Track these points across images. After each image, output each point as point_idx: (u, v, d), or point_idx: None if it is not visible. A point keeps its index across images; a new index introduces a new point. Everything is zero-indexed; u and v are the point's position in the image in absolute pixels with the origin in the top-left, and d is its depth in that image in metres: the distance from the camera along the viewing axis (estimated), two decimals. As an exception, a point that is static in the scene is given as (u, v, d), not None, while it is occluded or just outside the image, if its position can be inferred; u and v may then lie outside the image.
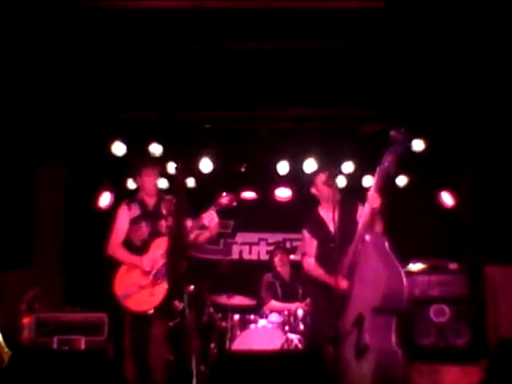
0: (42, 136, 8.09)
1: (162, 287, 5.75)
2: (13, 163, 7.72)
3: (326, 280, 5.80)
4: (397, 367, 5.25)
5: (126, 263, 5.92)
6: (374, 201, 5.48)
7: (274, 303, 7.89)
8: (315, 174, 6.26)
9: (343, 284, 5.54)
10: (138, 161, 6.25)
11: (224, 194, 5.93)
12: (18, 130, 7.62)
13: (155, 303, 5.73)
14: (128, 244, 6.02)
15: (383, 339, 5.28)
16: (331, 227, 5.89)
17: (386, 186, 5.57)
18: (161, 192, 6.21)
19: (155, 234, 5.95)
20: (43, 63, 6.80)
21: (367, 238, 5.48)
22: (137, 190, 6.25)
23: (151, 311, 5.73)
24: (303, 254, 6.23)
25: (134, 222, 6.01)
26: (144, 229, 5.98)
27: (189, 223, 5.88)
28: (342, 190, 6.18)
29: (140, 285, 5.80)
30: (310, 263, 6.09)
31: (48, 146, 8.38)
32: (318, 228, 6.10)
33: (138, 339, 5.81)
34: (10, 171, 7.69)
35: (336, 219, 5.62)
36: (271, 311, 7.74)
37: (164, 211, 5.99)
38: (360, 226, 5.54)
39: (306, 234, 6.16)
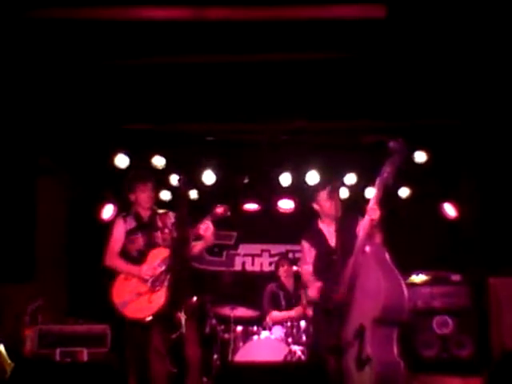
0: (44, 148, 8.10)
1: (161, 294, 5.79)
2: (14, 175, 7.73)
3: (310, 289, 5.90)
4: (398, 379, 5.23)
5: (123, 272, 5.97)
6: (373, 213, 5.48)
7: (275, 313, 7.88)
8: (317, 189, 6.28)
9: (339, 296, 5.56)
10: (132, 177, 6.30)
11: (219, 204, 6.02)
12: (20, 141, 7.64)
13: (153, 310, 5.77)
14: (125, 254, 6.08)
15: (385, 350, 5.25)
16: (331, 241, 5.95)
17: (387, 198, 5.57)
18: (155, 206, 6.26)
19: (151, 244, 6.03)
20: (46, 74, 6.82)
21: (367, 249, 5.48)
22: (130, 205, 6.29)
23: (149, 318, 5.75)
24: (302, 263, 6.26)
25: (130, 233, 6.09)
26: (140, 240, 6.06)
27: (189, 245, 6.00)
28: (343, 204, 6.18)
29: (138, 292, 5.84)
30: (308, 270, 6.10)
31: (49, 158, 8.39)
32: (318, 240, 6.12)
33: (136, 348, 5.83)
34: (11, 183, 7.70)
35: (336, 233, 5.70)
36: (273, 321, 7.73)
37: (159, 223, 6.11)
38: (359, 237, 5.55)
39: (305, 244, 6.19)
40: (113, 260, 6.05)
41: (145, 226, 6.11)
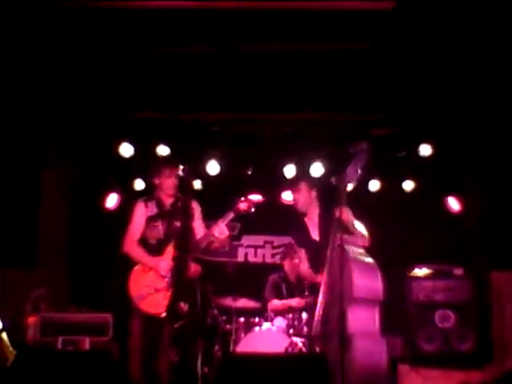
0: (49, 136, 8.10)
1: None
2: (18, 163, 7.73)
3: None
4: (382, 356, 5.32)
5: (141, 263, 5.93)
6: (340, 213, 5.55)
7: (275, 302, 7.89)
8: (295, 183, 6.48)
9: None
10: (159, 160, 6.27)
11: (242, 198, 6.00)
12: (24, 129, 7.63)
13: None
14: (143, 242, 6.03)
15: (367, 327, 5.39)
16: (314, 235, 6.27)
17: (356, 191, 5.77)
18: (179, 193, 6.15)
19: (171, 234, 5.95)
20: (51, 63, 6.81)
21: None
22: (149, 189, 6.24)
23: (164, 314, 5.72)
24: (299, 262, 6.54)
25: (151, 220, 6.02)
26: (160, 228, 6.00)
27: (200, 233, 6.00)
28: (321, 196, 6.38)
29: (155, 287, 5.83)
30: (304, 267, 6.36)
31: (54, 147, 8.39)
32: (304, 238, 6.35)
33: (145, 339, 5.82)
34: (16, 171, 7.69)
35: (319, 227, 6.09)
36: (271, 310, 7.74)
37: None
38: (331, 239, 5.64)
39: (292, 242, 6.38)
40: (132, 248, 5.99)
41: (166, 213, 6.04)
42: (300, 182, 6.48)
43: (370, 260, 5.64)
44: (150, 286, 5.83)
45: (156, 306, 5.77)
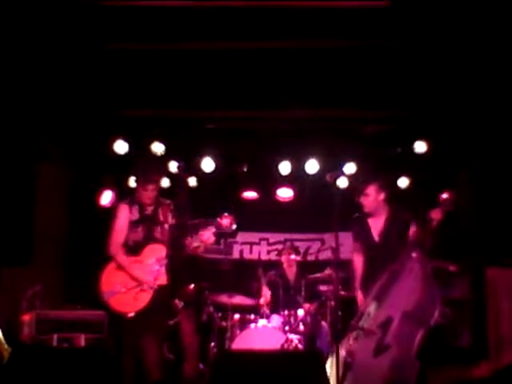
0: (43, 134, 8.08)
1: (148, 294, 5.82)
2: (13, 161, 7.71)
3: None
4: (410, 376, 5.28)
5: (123, 268, 5.95)
6: (436, 215, 5.57)
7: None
8: (366, 184, 6.33)
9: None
10: (139, 170, 6.27)
11: (226, 214, 6.03)
12: (19, 127, 7.61)
13: (137, 307, 5.78)
14: (124, 243, 6.07)
15: (405, 345, 5.35)
16: (376, 237, 6.23)
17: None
18: (160, 197, 6.24)
19: (150, 238, 6.03)
20: (44, 60, 6.79)
21: (413, 255, 5.54)
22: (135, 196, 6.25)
23: (131, 314, 5.77)
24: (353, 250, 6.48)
25: (132, 225, 6.08)
26: (140, 232, 6.06)
27: (188, 238, 6.04)
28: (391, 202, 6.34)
29: (126, 286, 5.85)
30: (358, 261, 6.37)
31: (49, 144, 8.37)
32: (364, 233, 6.32)
33: (132, 335, 5.84)
34: (11, 169, 7.68)
35: (383, 230, 6.10)
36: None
37: (161, 217, 6.10)
38: (410, 238, 5.72)
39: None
40: (117, 251, 6.01)
41: (147, 218, 6.09)
42: (368, 186, 6.29)
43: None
44: (122, 283, 5.86)
45: (124, 305, 5.81)
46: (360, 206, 6.34)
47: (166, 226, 6.06)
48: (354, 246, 6.42)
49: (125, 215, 6.09)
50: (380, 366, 5.28)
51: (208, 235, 5.98)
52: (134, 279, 5.86)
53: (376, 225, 6.24)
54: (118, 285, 5.86)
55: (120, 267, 5.93)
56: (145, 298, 5.80)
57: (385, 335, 5.34)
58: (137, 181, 6.24)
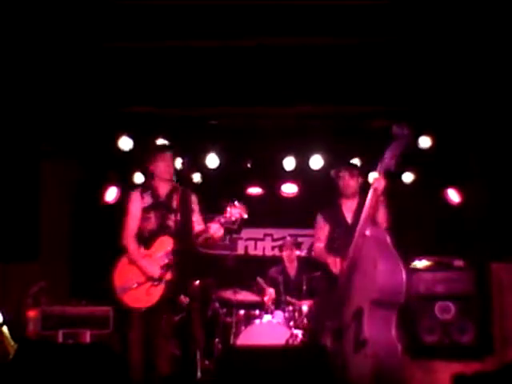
0: (48, 131, 8.09)
1: (160, 288, 5.72)
2: (18, 157, 7.73)
3: (331, 264, 5.86)
4: (395, 362, 5.23)
5: (133, 260, 5.88)
6: (377, 183, 5.47)
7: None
8: (340, 169, 6.30)
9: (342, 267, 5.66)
10: (152, 147, 6.23)
11: (236, 203, 5.85)
12: (23, 123, 7.63)
13: (151, 302, 5.71)
14: (138, 234, 5.95)
15: (382, 333, 5.25)
16: (348, 218, 6.08)
17: (389, 182, 5.57)
18: (175, 181, 6.05)
19: (163, 227, 5.88)
20: (49, 57, 6.80)
21: (367, 232, 5.46)
22: (149, 178, 6.17)
23: (144, 309, 5.73)
24: (314, 240, 6.34)
25: (145, 211, 5.93)
26: (153, 220, 5.91)
27: (199, 227, 5.93)
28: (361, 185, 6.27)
29: (139, 281, 5.77)
30: (319, 247, 6.18)
31: (54, 141, 8.39)
32: (334, 215, 6.19)
33: (143, 331, 5.81)
34: (15, 165, 7.69)
35: (354, 211, 5.91)
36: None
37: (175, 204, 5.89)
38: (363, 214, 5.53)
39: (319, 218, 6.27)
40: (129, 242, 5.89)
41: (160, 204, 5.94)
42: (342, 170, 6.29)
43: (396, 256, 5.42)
44: (134, 279, 5.78)
45: (137, 301, 5.74)
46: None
47: (179, 214, 5.82)
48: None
49: (136, 203, 5.94)
50: (362, 363, 5.20)
51: (216, 228, 5.81)
52: (144, 273, 5.79)
53: (349, 207, 6.17)
54: (130, 280, 5.77)
55: (132, 262, 5.84)
56: (157, 293, 5.71)
57: (360, 328, 5.25)
58: (150, 159, 6.02)
